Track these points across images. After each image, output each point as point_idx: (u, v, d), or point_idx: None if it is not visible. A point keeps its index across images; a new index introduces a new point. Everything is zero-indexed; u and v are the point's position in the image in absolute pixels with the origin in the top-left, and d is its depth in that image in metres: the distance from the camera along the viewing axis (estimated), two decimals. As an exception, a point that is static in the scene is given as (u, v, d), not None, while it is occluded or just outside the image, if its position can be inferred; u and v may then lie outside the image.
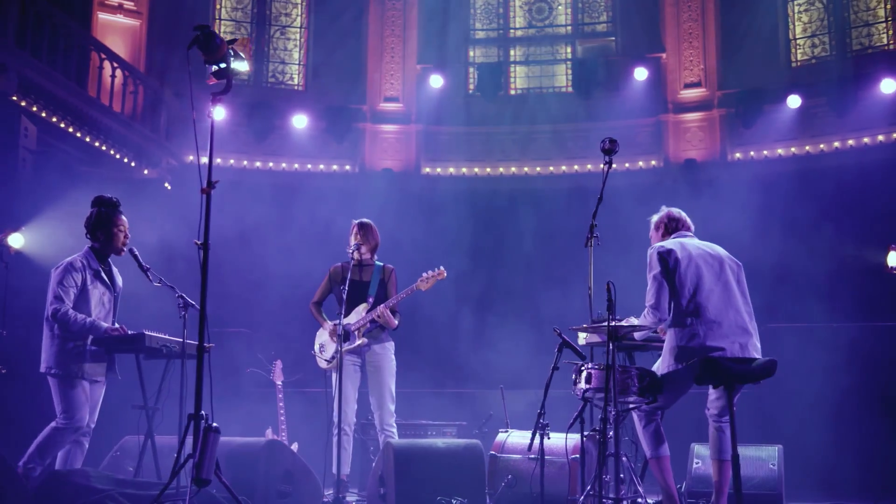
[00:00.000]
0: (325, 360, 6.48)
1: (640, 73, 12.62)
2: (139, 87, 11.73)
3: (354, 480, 7.07)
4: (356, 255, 6.34)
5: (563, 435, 5.37)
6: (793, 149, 11.97)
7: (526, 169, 13.16)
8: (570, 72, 13.95)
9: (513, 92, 13.94)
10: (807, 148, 11.88)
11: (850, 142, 11.65)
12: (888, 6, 12.27)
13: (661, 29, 13.31)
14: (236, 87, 14.36)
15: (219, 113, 12.16)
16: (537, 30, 14.43)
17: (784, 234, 10.73)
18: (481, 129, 13.28)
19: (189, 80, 4.26)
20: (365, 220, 6.55)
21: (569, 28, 14.29)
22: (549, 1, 14.45)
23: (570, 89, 13.75)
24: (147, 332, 5.39)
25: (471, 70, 14.00)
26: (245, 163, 12.69)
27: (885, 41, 12.29)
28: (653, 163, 12.86)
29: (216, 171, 13.02)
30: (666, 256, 4.87)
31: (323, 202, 12.06)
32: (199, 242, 4.27)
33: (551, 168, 13.10)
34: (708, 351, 4.68)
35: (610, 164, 5.25)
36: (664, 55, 13.15)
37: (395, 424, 6.36)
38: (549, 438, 5.17)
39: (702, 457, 6.09)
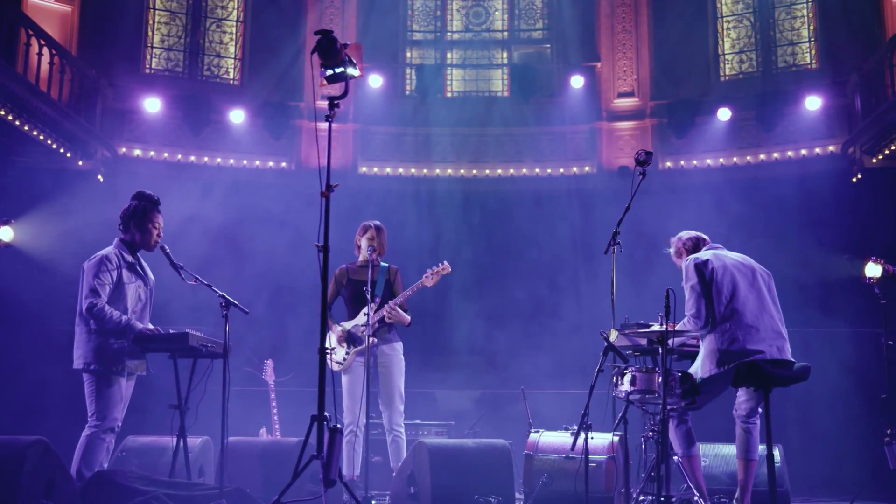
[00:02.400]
0: (337, 363, 6.46)
1: (577, 81, 12.88)
2: (74, 75, 11.41)
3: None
4: (372, 257, 6.32)
5: (600, 435, 5.51)
6: (721, 160, 12.39)
7: (462, 171, 13.28)
8: (506, 77, 14.15)
9: (450, 94, 14.05)
10: (734, 159, 12.30)
11: (776, 154, 12.11)
12: (812, 27, 12.80)
13: (596, 39, 13.60)
14: (170, 79, 14.19)
15: (153, 105, 11.96)
16: (474, 34, 14.57)
17: (715, 241, 11.07)
18: (418, 131, 13.35)
19: (312, 84, 4.35)
20: (378, 222, 6.60)
21: (505, 34, 14.48)
22: (485, 6, 14.61)
23: (506, 94, 13.95)
24: (190, 332, 5.28)
25: (408, 71, 14.07)
26: (179, 156, 12.46)
27: (808, 60, 12.82)
28: (587, 168, 13.14)
29: (147, 163, 12.86)
30: (702, 267, 5.14)
31: (259, 199, 11.98)
32: (318, 245, 4.33)
33: (487, 171, 13.25)
34: (748, 354, 4.91)
35: (644, 175, 5.50)
36: (599, 64, 13.44)
37: (403, 424, 6.39)
38: (592, 439, 5.29)
39: (707, 456, 6.31)
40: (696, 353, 5.38)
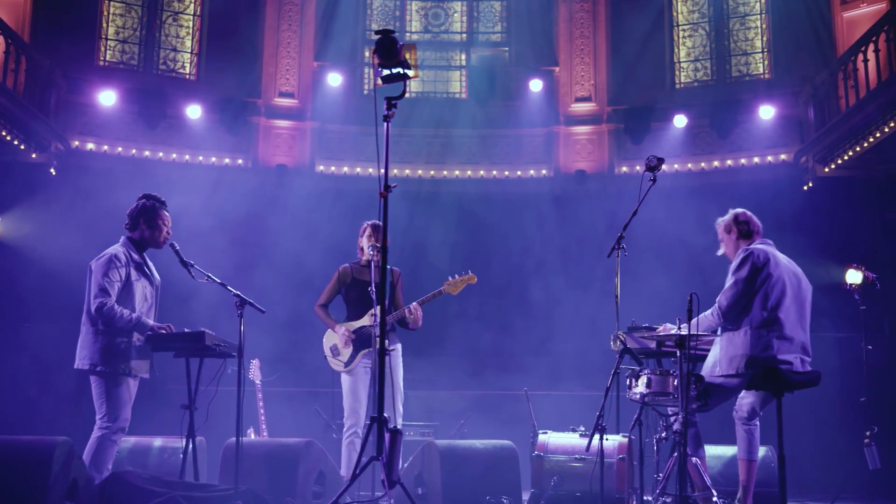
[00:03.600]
0: (343, 363, 6.39)
1: (535, 85, 12.97)
2: (28, 64, 11.14)
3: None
4: (375, 257, 6.17)
5: (610, 436, 5.54)
6: (676, 166, 12.57)
7: (420, 172, 13.28)
8: (464, 79, 14.20)
9: (408, 95, 13.95)
10: (689, 165, 12.49)
11: (729, 161, 12.35)
12: (765, 38, 13.07)
13: (555, 43, 13.71)
14: (125, 72, 13.93)
15: (108, 98, 11.76)
16: (433, 35, 14.59)
17: (671, 247, 11.24)
18: (375, 130, 13.26)
19: (373, 78, 4.46)
20: (378, 221, 6.40)
21: (464, 36, 14.52)
22: (445, 8, 14.64)
23: (464, 96, 13.99)
24: (206, 331, 5.20)
25: (366, 70, 14.03)
26: (134, 151, 12.25)
27: (761, 70, 13.09)
28: (543, 172, 13.24)
29: (101, 157, 12.61)
30: (760, 267, 5.05)
31: (215, 195, 11.83)
32: (378, 245, 4.29)
33: (445, 172, 13.27)
34: (777, 363, 4.92)
35: (654, 180, 5.51)
36: (557, 69, 13.55)
37: (401, 426, 6.36)
38: (607, 440, 5.30)
39: (700, 457, 6.37)
40: (699, 355, 5.40)
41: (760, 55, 13.15)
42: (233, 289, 5.32)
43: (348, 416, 6.33)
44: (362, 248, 6.55)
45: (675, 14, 13.72)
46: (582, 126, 13.32)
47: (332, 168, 13.21)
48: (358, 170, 13.24)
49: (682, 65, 13.60)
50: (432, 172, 13.27)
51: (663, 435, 5.19)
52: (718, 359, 5.11)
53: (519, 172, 13.18)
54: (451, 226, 12.88)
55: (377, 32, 4.50)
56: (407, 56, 4.45)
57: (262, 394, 7.45)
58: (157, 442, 6.71)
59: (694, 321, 4.88)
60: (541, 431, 6.27)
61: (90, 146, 12.09)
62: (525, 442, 6.60)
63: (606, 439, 5.32)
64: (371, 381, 6.40)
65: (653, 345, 5.33)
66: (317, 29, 13.65)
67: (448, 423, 8.45)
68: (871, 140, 9.97)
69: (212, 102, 12.41)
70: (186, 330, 5.26)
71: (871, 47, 10.04)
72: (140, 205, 5.55)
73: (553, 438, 6.17)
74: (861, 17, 11.58)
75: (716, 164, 12.43)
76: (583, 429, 6.27)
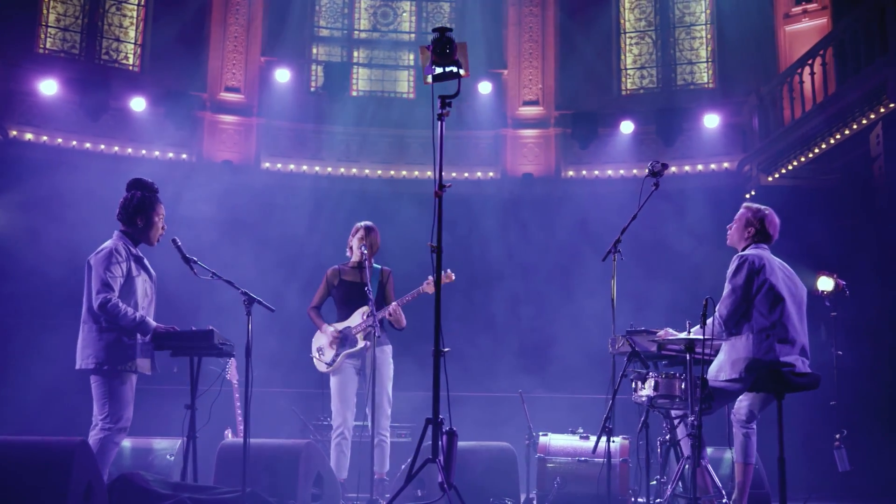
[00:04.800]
0: (326, 364, 6.32)
1: (485, 87, 13.00)
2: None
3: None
4: (364, 258, 6.22)
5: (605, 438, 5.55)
6: (621, 171, 12.74)
7: (367, 171, 13.21)
8: (412, 78, 14.16)
9: (355, 93, 13.95)
10: (634, 171, 12.66)
11: (673, 168, 12.52)
12: (710, 48, 13.33)
13: (504, 46, 13.77)
14: (65, 61, 13.55)
15: (48, 87, 11.44)
16: (381, 34, 14.52)
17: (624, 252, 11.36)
18: (323, 128, 13.19)
19: (422, 75, 4.40)
20: (369, 222, 6.52)
21: (412, 35, 14.48)
22: (394, 7, 14.59)
23: (412, 96, 13.96)
24: (214, 329, 5.02)
25: (314, 67, 13.91)
26: (74, 143, 11.91)
27: (706, 79, 13.34)
28: (491, 174, 13.28)
29: (40, 148, 12.24)
30: (756, 271, 5.07)
31: (159, 190, 11.56)
32: (432, 245, 4.17)
33: (392, 172, 13.22)
34: (780, 366, 4.98)
35: (657, 185, 5.44)
36: (505, 72, 13.61)
37: (388, 429, 6.29)
38: (614, 442, 5.30)
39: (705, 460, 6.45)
40: (694, 359, 5.45)
41: (705, 65, 13.41)
42: (239, 287, 5.16)
43: (335, 418, 6.30)
44: (352, 248, 6.53)
45: (622, 21, 13.89)
46: (529, 129, 13.40)
47: (279, 165, 13.05)
48: (304, 168, 13.10)
49: (629, 72, 13.79)
50: (379, 172, 13.21)
51: (667, 437, 5.24)
52: (722, 363, 5.17)
53: (466, 174, 13.19)
54: (398, 226, 12.81)
55: (434, 30, 4.48)
56: (460, 54, 4.43)
57: (240, 394, 7.31)
58: (147, 443, 6.52)
59: (697, 329, 4.95)
60: (541, 433, 6.31)
61: (28, 136, 11.72)
62: (515, 443, 6.59)
63: (614, 441, 5.38)
64: (361, 381, 6.40)
65: (653, 348, 5.34)
66: (264, 24, 13.48)
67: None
68: (817, 151, 10.24)
69: (156, 95, 12.14)
70: (194, 328, 5.09)
71: (819, 61, 10.31)
72: (134, 197, 5.25)
73: (554, 440, 6.23)
74: (803, 31, 11.90)
75: (661, 170, 12.61)
76: (581, 430, 6.34)
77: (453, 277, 6.36)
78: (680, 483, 5.11)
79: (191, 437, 4.98)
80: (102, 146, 12.08)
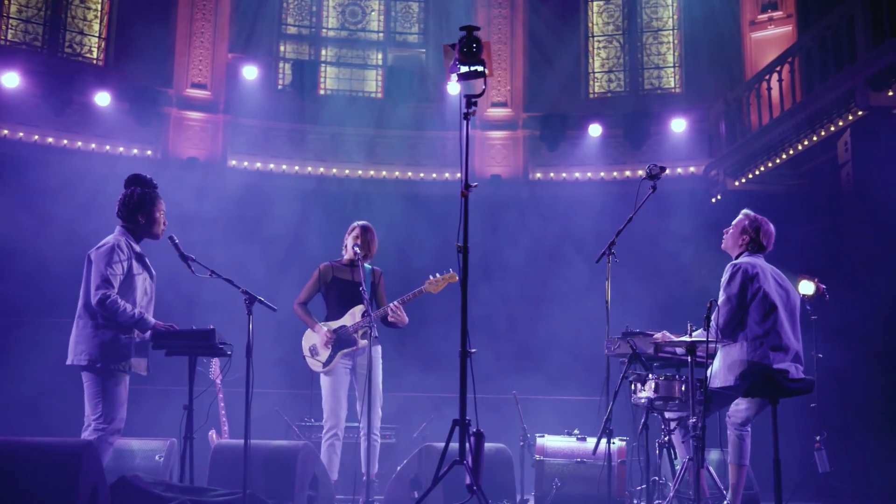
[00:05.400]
0: (322, 364, 6.21)
1: (453, 88, 12.97)
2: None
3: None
4: (357, 257, 6.15)
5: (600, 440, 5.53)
6: (589, 174, 12.80)
7: (335, 170, 13.14)
8: (381, 78, 14.11)
9: (323, 92, 13.86)
10: (601, 174, 12.74)
11: (640, 172, 12.50)
12: (677, 53, 13.46)
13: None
14: (27, 53, 13.25)
15: (10, 79, 11.20)
16: (350, 32, 14.45)
17: (583, 254, 11.44)
18: (290, 126, 13.10)
19: (447, 73, 4.43)
20: (365, 222, 6.46)
21: (381, 35, 14.44)
22: (362, 5, 14.53)
23: (380, 95, 13.91)
24: (215, 329, 4.91)
25: (282, 65, 13.80)
26: (36, 137, 11.68)
27: (673, 84, 13.47)
28: (458, 175, 13.20)
29: (2, 143, 11.93)
30: (749, 279, 5.12)
31: (121, 187, 11.37)
32: (459, 245, 4.10)
33: (360, 172, 13.15)
34: (774, 372, 5.05)
35: (654, 188, 5.50)
36: (474, 72, 13.57)
37: (379, 429, 6.20)
38: (614, 444, 5.30)
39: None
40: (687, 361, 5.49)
41: (672, 70, 13.53)
42: (240, 285, 5.07)
43: (328, 418, 6.19)
44: (346, 246, 6.46)
45: (590, 25, 13.97)
46: (498, 131, 13.42)
47: (245, 163, 12.92)
48: (271, 166, 12.99)
49: (597, 75, 13.88)
50: (347, 171, 13.15)
51: (665, 439, 5.27)
52: (718, 369, 5.22)
53: (434, 175, 13.19)
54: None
55: (462, 28, 4.45)
56: (485, 55, 4.42)
57: (223, 394, 7.19)
58: (134, 444, 6.37)
59: (699, 332, 5.00)
60: (537, 435, 6.31)
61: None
62: (510, 444, 6.56)
63: (614, 443, 5.38)
64: (354, 381, 6.31)
65: (650, 350, 5.36)
66: (232, 20, 13.33)
67: (410, 425, 8.37)
68: (784, 156, 10.37)
69: (121, 90, 11.95)
70: (194, 327, 5.00)
71: (787, 68, 10.45)
72: (134, 193, 5.17)
73: (550, 442, 6.25)
74: (768, 38, 12.06)
75: (627, 173, 12.73)
76: (577, 432, 6.34)
77: (457, 278, 6.27)
78: (672, 485, 5.14)
79: (188, 437, 4.89)
80: (65, 141, 11.86)
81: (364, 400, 6.10)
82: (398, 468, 6.11)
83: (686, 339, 5.07)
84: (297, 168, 13.05)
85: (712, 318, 5.04)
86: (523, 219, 12.41)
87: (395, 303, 6.27)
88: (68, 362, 4.96)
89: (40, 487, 3.94)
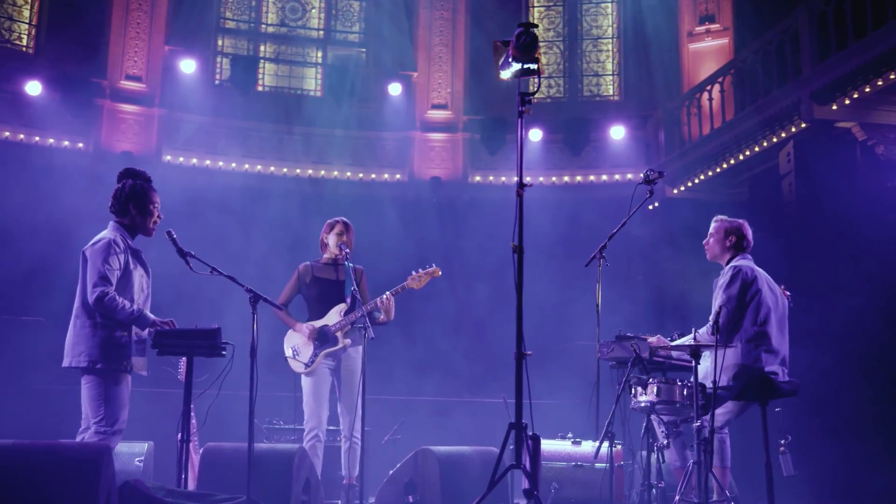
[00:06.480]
0: (304, 364, 6.00)
1: (395, 89, 12.94)
2: None
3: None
4: (342, 254, 6.00)
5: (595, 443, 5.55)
6: (528, 178, 12.79)
7: (272, 168, 12.96)
8: (320, 76, 13.97)
9: (261, 88, 13.67)
10: (540, 179, 12.81)
11: (578, 178, 12.77)
12: (615, 61, 13.63)
13: (414, 49, 13.72)
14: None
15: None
16: (289, 29, 14.28)
17: (531, 258, 11.48)
18: (227, 123, 12.86)
19: (497, 69, 4.43)
20: (345, 218, 6.25)
21: (321, 33, 14.30)
22: (303, 2, 14.37)
23: (319, 93, 13.77)
24: (219, 328, 4.71)
25: (219, 60, 13.57)
26: (-42, 126, 11.29)
27: (611, 92, 13.64)
28: (398, 176, 13.22)
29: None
30: (749, 283, 5.23)
31: (51, 180, 11.02)
32: (514, 244, 4.03)
33: (298, 170, 13.00)
34: (765, 375, 5.16)
35: (651, 192, 5.59)
36: (415, 74, 13.58)
37: (361, 431, 5.92)
38: (616, 447, 5.30)
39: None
40: (683, 365, 5.52)
41: (611, 77, 13.70)
42: (243, 283, 4.87)
43: (309, 419, 5.99)
44: (326, 245, 6.27)
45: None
46: (438, 133, 13.41)
47: (181, 159, 12.65)
48: (207, 162, 12.75)
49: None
50: (284, 170, 13.00)
51: (665, 442, 5.30)
52: (709, 371, 5.26)
53: (373, 175, 13.12)
54: (302, 225, 12.57)
55: (520, 25, 4.36)
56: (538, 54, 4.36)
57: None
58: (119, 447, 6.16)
59: (690, 338, 5.03)
60: None
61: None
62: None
63: (615, 445, 5.41)
64: (335, 382, 6.12)
65: (646, 353, 5.39)
66: (169, 12, 13.04)
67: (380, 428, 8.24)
68: (725, 166, 10.59)
69: (52, 79, 11.57)
70: (198, 326, 4.80)
71: (728, 80, 10.67)
72: (126, 186, 4.93)
73: (545, 445, 6.18)
74: (706, 50, 12.33)
75: (566, 178, 12.84)
76: (571, 435, 6.34)
77: (439, 273, 6.20)
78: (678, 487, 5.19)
79: (184, 440, 4.71)
80: (-10, 130, 11.46)
81: (345, 401, 6.00)
82: (390, 472, 6.01)
83: (690, 341, 5.11)
84: (233, 165, 12.83)
85: (709, 318, 5.16)
86: (464, 221, 12.40)
87: (387, 294, 6.06)
88: (65, 364, 4.74)
89: (58, 493, 3.78)
